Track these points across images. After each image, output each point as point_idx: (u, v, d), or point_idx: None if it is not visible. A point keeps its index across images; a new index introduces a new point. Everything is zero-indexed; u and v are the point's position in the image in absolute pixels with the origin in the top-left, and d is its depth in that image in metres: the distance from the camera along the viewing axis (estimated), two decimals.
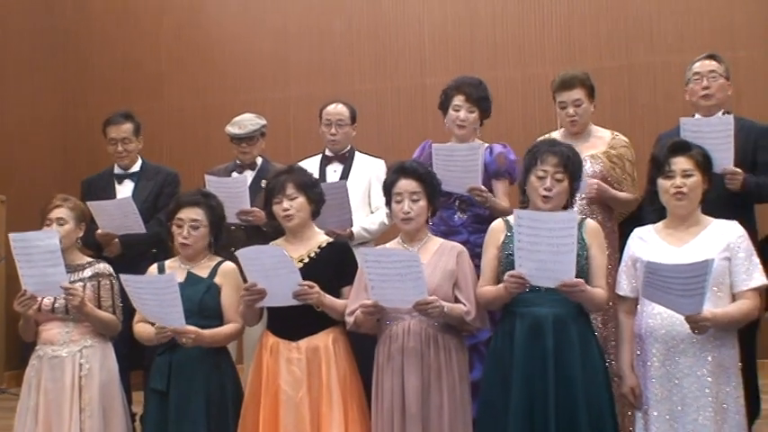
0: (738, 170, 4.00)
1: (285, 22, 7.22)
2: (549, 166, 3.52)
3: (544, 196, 3.50)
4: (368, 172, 4.91)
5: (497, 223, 3.66)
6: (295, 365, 3.70)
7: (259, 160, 5.14)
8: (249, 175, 5.01)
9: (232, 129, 5.09)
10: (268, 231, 4.62)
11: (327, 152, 5.07)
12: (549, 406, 3.33)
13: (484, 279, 3.61)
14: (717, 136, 3.93)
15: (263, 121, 5.16)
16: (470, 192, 4.23)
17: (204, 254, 3.96)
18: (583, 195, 4.22)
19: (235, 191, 4.64)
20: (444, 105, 4.54)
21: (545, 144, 3.67)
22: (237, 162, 5.13)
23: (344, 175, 4.96)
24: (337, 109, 5.05)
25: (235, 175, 5.01)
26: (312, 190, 3.89)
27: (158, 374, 3.82)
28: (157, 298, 3.64)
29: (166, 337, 3.71)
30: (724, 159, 3.70)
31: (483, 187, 4.24)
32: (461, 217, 4.43)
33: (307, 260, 3.79)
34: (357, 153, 5.08)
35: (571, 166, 3.54)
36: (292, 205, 3.81)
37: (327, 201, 4.07)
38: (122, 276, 3.79)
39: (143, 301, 3.71)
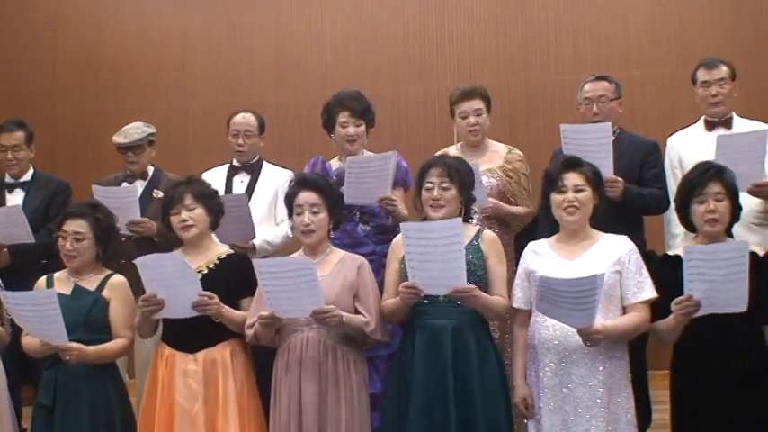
0: (618, 178, 4.11)
1: (185, 31, 7.10)
2: (434, 178, 3.62)
3: (432, 205, 3.59)
4: (275, 183, 4.85)
5: (398, 238, 3.68)
6: (191, 378, 3.65)
7: (151, 170, 5.05)
8: (140, 185, 4.91)
9: (118, 138, 4.97)
10: (160, 242, 4.56)
11: (235, 162, 4.99)
12: (450, 415, 3.37)
13: (387, 293, 3.66)
14: (596, 143, 4.04)
15: (152, 130, 5.04)
16: (381, 201, 4.24)
17: (92, 266, 3.87)
18: (477, 210, 4.30)
19: (124, 201, 4.52)
20: (329, 124, 4.54)
21: (431, 159, 3.77)
22: (128, 172, 5.01)
23: (251, 186, 4.89)
24: (245, 119, 4.96)
25: (125, 185, 4.90)
26: (211, 201, 3.85)
27: (45, 389, 3.72)
28: (38, 314, 3.53)
29: (52, 350, 3.60)
30: (603, 167, 3.82)
31: (393, 196, 4.27)
32: (364, 228, 4.44)
33: (205, 271, 3.75)
34: (265, 163, 5.01)
35: (456, 174, 3.63)
36: (191, 216, 3.77)
37: (228, 213, 4.03)
38: (1, 293, 3.70)
39: (25, 317, 3.60)
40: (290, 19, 7.01)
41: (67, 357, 3.57)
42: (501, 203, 4.44)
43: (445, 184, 3.60)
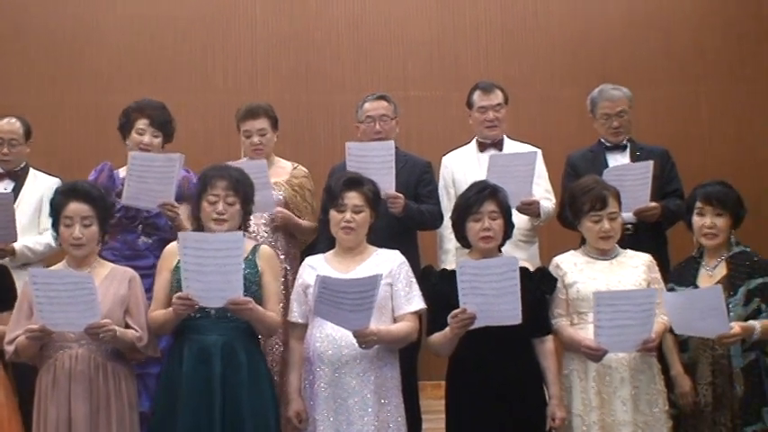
0: (399, 195, 4.24)
1: None
2: (219, 190, 3.57)
3: (215, 219, 3.55)
4: (40, 191, 4.65)
5: (170, 246, 3.64)
6: None
7: None
8: None
9: None
10: None
11: None
12: (215, 429, 3.34)
13: (156, 303, 3.56)
14: (379, 161, 4.16)
15: None
16: (162, 207, 4.14)
17: None
18: (266, 216, 4.30)
19: None
20: (126, 128, 4.43)
21: (214, 169, 3.69)
22: None
23: (15, 193, 4.62)
24: (11, 127, 4.73)
25: None
26: None
27: None
28: None
29: None
30: (386, 183, 3.94)
31: (175, 203, 4.17)
32: (146, 241, 4.35)
33: None
34: (31, 170, 4.79)
35: (241, 187, 3.62)
36: None
37: None
38: None
39: None
40: (65, 18, 6.70)
41: None
42: (290, 214, 4.45)
43: (230, 199, 3.57)
